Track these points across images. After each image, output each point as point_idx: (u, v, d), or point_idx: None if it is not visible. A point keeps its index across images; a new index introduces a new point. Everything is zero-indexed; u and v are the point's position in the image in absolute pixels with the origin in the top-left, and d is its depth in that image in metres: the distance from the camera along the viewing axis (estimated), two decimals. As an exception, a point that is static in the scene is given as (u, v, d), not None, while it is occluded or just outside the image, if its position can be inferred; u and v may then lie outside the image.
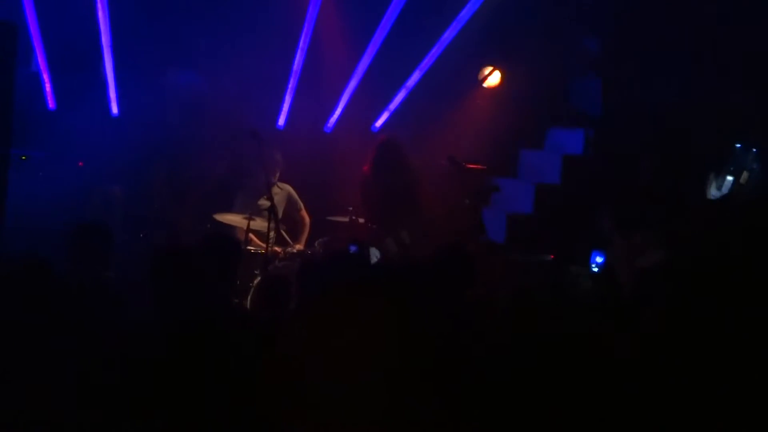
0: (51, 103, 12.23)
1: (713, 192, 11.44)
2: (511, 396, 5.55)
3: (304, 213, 11.53)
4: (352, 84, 12.93)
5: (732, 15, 12.34)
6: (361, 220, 11.02)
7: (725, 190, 11.06)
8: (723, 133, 12.01)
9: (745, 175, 11.12)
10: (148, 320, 6.04)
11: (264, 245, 10.52)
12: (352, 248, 8.89)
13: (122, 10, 12.15)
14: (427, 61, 12.92)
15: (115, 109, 12.47)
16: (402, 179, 10.73)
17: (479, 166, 12.37)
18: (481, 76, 13.10)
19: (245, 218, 10.45)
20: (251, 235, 10.60)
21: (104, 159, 11.69)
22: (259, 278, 10.09)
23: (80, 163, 11.83)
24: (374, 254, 10.35)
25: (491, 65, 13.08)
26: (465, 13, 12.83)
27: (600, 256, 7.37)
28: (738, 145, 11.50)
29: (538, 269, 11.07)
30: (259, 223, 10.49)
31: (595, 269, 7.26)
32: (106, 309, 6.15)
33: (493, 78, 13.11)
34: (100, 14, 12.09)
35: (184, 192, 11.68)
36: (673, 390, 3.68)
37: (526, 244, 12.32)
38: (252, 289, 10.02)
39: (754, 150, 11.30)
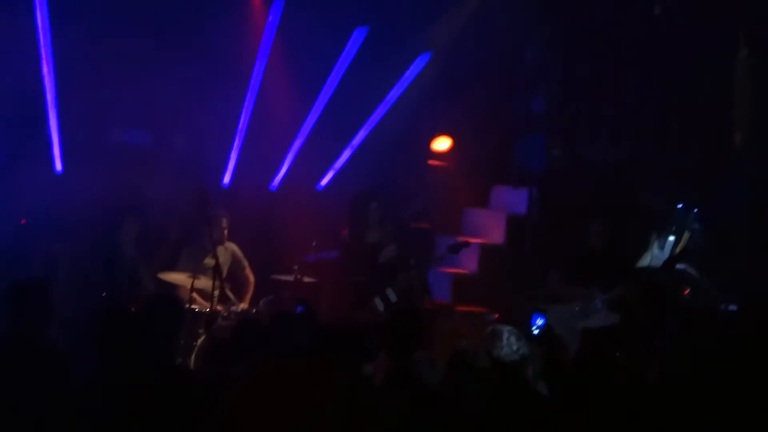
0: (-7, 160, 12.12)
1: (656, 252, 11.54)
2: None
3: (248, 272, 11.47)
4: (298, 142, 12.94)
5: (675, 76, 12.54)
6: (307, 279, 10.98)
7: (667, 250, 11.16)
8: (665, 193, 12.15)
9: (686, 235, 11.23)
10: (90, 381, 5.97)
11: (208, 304, 10.44)
12: (299, 309, 8.82)
13: (68, 67, 12.09)
14: (372, 120, 12.98)
15: (59, 166, 12.37)
16: (382, 234, 10.72)
17: (424, 225, 12.41)
18: (429, 140, 13.17)
19: (189, 277, 10.38)
20: (195, 294, 10.52)
21: (47, 216, 11.57)
22: (203, 337, 10.03)
23: (23, 221, 11.70)
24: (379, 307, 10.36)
25: (434, 125, 13.15)
26: (410, 73, 12.93)
27: (540, 318, 7.37)
28: (680, 206, 11.63)
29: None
30: (203, 282, 10.42)
31: (536, 331, 7.25)
32: (43, 369, 6.07)
33: (442, 144, 13.17)
34: (45, 70, 12.03)
35: (127, 250, 11.57)
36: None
37: (471, 303, 12.33)
38: (196, 349, 9.94)
39: (695, 210, 11.43)
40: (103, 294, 10.52)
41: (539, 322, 7.31)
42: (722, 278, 11.03)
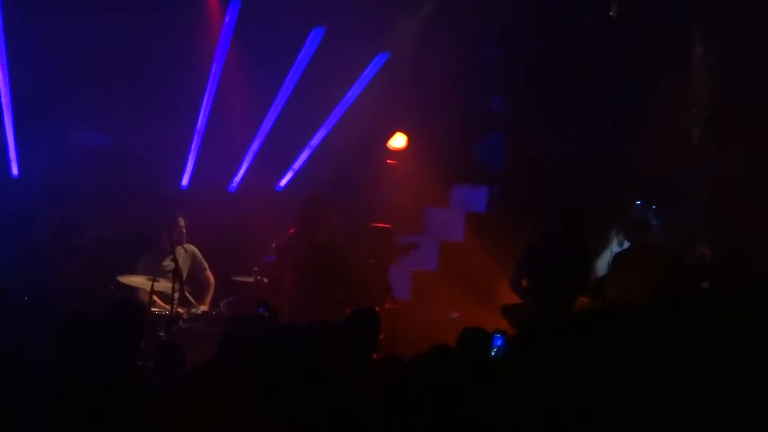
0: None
1: (615, 248, 11.61)
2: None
3: (208, 273, 11.42)
4: (256, 143, 12.92)
5: (634, 73, 12.61)
6: (267, 280, 10.95)
7: (626, 246, 11.22)
8: (624, 190, 12.23)
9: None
10: (48, 386, 5.93)
11: (168, 307, 10.39)
12: (261, 310, 8.79)
13: (23, 69, 12.00)
14: (330, 121, 12.98)
15: (15, 170, 12.28)
16: (333, 235, 10.65)
17: (385, 225, 12.42)
18: (387, 142, 13.18)
19: (149, 280, 10.33)
20: (155, 297, 10.46)
21: (4, 220, 11.48)
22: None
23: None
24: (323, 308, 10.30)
25: (393, 124, 13.17)
26: (368, 73, 12.93)
27: (500, 339, 7.33)
28: (639, 202, 11.71)
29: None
30: (163, 285, 10.36)
31: (494, 352, 7.21)
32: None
33: (398, 141, 13.20)
34: (0, 74, 11.93)
35: (86, 253, 11.49)
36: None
37: (431, 301, 12.36)
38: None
39: (654, 207, 11.51)
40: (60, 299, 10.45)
41: (498, 343, 7.27)
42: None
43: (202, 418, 5.25)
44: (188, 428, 5.23)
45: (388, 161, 13.42)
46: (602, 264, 11.33)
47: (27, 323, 8.06)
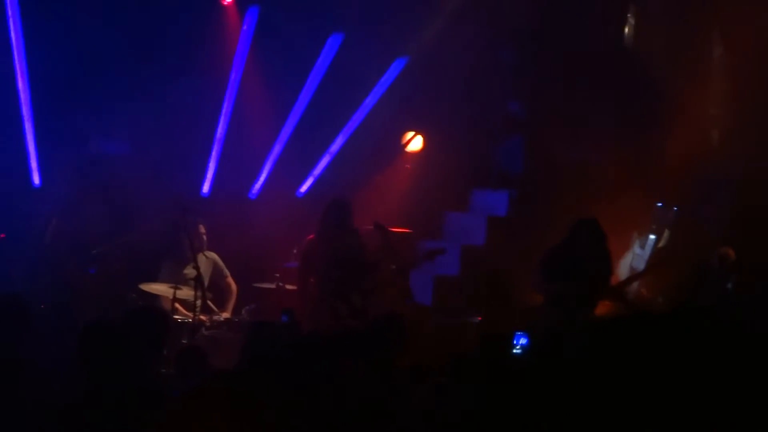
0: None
1: (637, 251, 11.57)
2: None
3: (230, 280, 11.43)
4: (276, 150, 12.93)
5: (653, 75, 12.58)
6: (289, 287, 10.96)
7: (648, 248, 11.19)
8: (645, 192, 12.19)
9: (667, 233, 11.27)
10: (71, 396, 5.94)
11: (190, 314, 10.41)
12: (284, 318, 8.79)
13: (44, 80, 12.05)
14: (350, 126, 12.98)
15: (36, 180, 12.33)
16: (352, 240, 10.65)
17: (405, 230, 12.40)
18: (403, 141, 13.18)
19: (171, 287, 10.34)
20: (177, 305, 10.48)
21: (26, 230, 11.53)
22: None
23: (1, 235, 11.64)
24: (341, 312, 10.29)
25: (413, 130, 13.17)
26: (387, 78, 12.93)
27: (524, 337, 7.30)
28: (659, 204, 11.67)
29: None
30: (185, 292, 10.38)
31: (518, 351, 7.19)
32: (21, 381, 6.04)
33: (415, 143, 13.20)
34: (20, 85, 11.99)
35: (108, 262, 11.52)
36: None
37: (453, 306, 12.34)
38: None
39: (675, 208, 11.47)
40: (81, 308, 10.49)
41: (522, 341, 7.24)
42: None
43: (214, 421, 5.27)
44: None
45: (407, 166, 13.41)
46: (624, 267, 11.29)
47: (47, 332, 8.07)
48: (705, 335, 3.46)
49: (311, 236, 10.74)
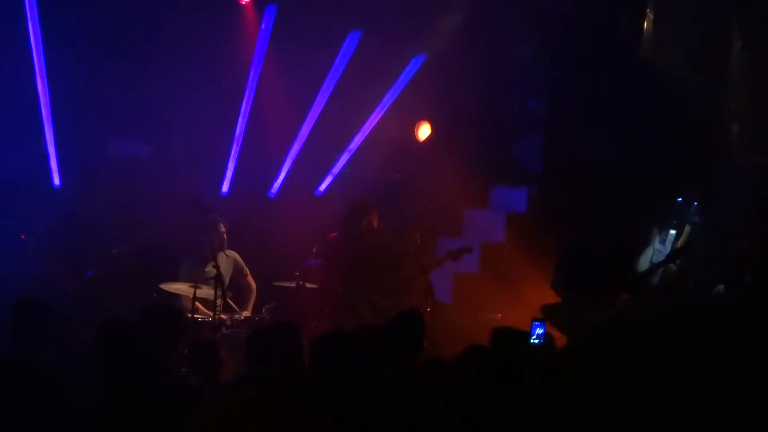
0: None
1: (657, 246, 11.53)
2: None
3: (250, 279, 11.46)
4: (295, 148, 12.94)
5: (671, 69, 12.53)
6: (309, 285, 10.96)
7: (668, 244, 11.15)
8: (665, 187, 12.14)
9: (687, 228, 11.22)
10: (91, 397, 5.96)
11: (211, 313, 10.42)
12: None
13: (62, 80, 12.09)
14: (368, 124, 12.98)
15: (57, 181, 12.37)
16: (375, 240, 10.64)
17: (426, 228, 12.38)
18: (415, 134, 13.17)
19: (191, 287, 10.37)
20: (198, 304, 10.51)
21: (47, 231, 11.57)
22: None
23: (22, 236, 11.68)
24: (363, 311, 10.30)
25: (422, 120, 13.14)
26: (406, 75, 12.92)
27: (541, 327, 7.30)
28: (679, 199, 11.63)
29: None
30: (206, 291, 10.39)
31: (536, 341, 7.20)
32: (45, 385, 6.06)
33: (423, 131, 13.16)
34: (39, 86, 12.04)
35: (128, 261, 11.55)
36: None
37: (473, 303, 12.33)
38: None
39: (695, 203, 11.43)
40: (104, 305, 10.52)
41: (539, 331, 7.23)
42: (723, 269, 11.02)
43: (245, 424, 5.27)
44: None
45: (426, 163, 13.39)
46: (644, 262, 11.25)
47: (66, 332, 8.10)
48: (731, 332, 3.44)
49: (334, 234, 10.74)
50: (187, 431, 5.41)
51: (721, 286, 10.46)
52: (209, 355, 7.28)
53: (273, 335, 6.71)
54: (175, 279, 10.83)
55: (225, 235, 11.19)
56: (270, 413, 5.28)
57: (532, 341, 7.26)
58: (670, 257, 10.91)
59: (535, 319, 7.48)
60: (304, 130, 12.89)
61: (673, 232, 11.37)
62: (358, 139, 13.05)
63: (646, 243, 11.68)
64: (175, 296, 10.68)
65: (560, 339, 8.97)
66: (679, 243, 11.23)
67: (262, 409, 5.29)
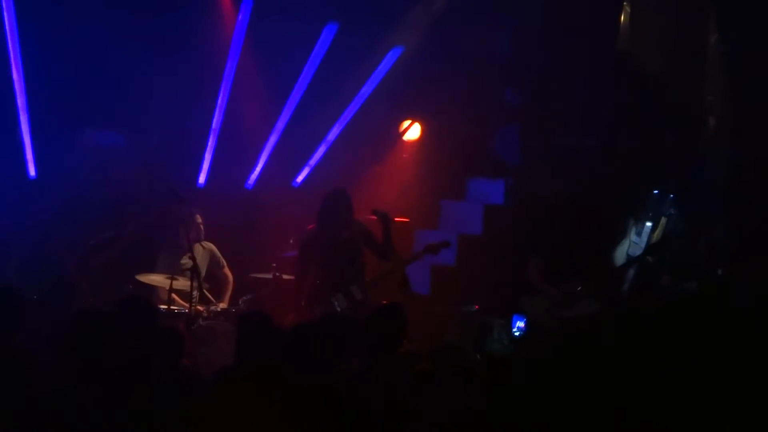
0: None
1: (633, 238, 11.56)
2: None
3: (227, 271, 11.44)
4: (272, 140, 12.92)
5: (648, 61, 12.56)
6: (286, 277, 10.95)
7: (644, 236, 11.18)
8: (641, 179, 12.18)
9: (663, 221, 11.25)
10: (62, 385, 5.96)
11: (187, 305, 10.41)
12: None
13: (38, 70, 12.03)
14: (346, 116, 12.97)
15: (32, 171, 12.31)
16: (351, 231, 10.63)
17: (402, 219, 12.39)
18: (400, 130, 13.18)
19: (168, 278, 10.34)
20: (174, 295, 10.49)
21: (22, 221, 11.52)
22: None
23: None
24: (339, 304, 10.26)
25: (411, 118, 13.16)
26: (383, 67, 12.91)
27: (521, 320, 7.32)
28: (655, 192, 11.66)
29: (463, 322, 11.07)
30: (182, 283, 10.38)
31: (517, 333, 7.22)
32: (13, 373, 6.04)
33: (412, 132, 13.19)
34: (15, 75, 11.97)
35: (104, 252, 11.52)
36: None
37: (450, 295, 12.33)
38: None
39: (671, 196, 11.46)
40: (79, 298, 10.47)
41: (520, 324, 7.25)
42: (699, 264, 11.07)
43: (236, 415, 5.28)
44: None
45: (403, 155, 13.39)
46: (621, 254, 11.28)
47: (39, 323, 8.07)
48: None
49: (311, 226, 10.74)
50: (182, 417, 5.43)
51: (693, 283, 10.52)
52: (173, 343, 7.24)
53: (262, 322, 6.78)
54: (151, 270, 10.81)
55: (201, 227, 11.18)
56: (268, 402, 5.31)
57: (513, 334, 7.29)
58: (647, 251, 10.93)
59: (515, 312, 7.51)
60: (281, 122, 12.87)
61: (649, 224, 11.39)
62: (335, 131, 13.03)
63: (622, 235, 11.71)
64: (152, 288, 10.65)
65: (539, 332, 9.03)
66: (655, 235, 11.25)
67: (251, 401, 5.32)
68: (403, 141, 13.28)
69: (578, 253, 10.34)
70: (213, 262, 11.34)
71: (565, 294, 10.15)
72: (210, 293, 10.97)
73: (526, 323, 7.33)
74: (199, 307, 10.58)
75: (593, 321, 9.76)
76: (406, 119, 13.22)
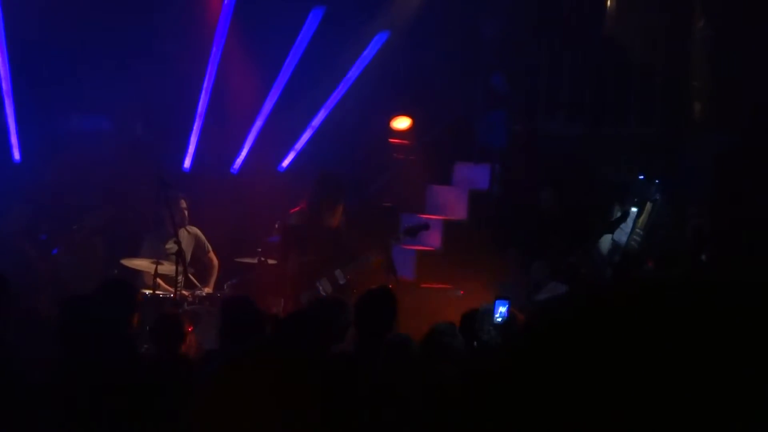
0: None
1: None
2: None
3: (212, 255, 11.43)
4: (258, 124, 12.90)
5: (634, 48, 12.56)
6: (271, 261, 10.94)
7: (630, 221, 11.20)
8: (626, 165, 12.20)
9: (648, 206, 11.27)
10: (51, 374, 5.94)
11: (172, 289, 10.39)
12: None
13: (23, 54, 11.99)
14: (332, 101, 12.95)
15: (17, 155, 12.27)
16: (339, 217, 10.61)
17: (388, 204, 12.39)
18: (389, 119, 13.16)
19: (152, 263, 10.33)
20: (159, 280, 10.47)
21: (7, 205, 11.49)
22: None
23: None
24: (324, 288, 10.27)
25: (398, 106, 13.14)
26: (369, 52, 12.90)
27: (503, 305, 7.32)
28: (641, 177, 11.68)
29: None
30: (167, 267, 10.36)
31: (499, 319, 7.23)
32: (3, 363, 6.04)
33: (401, 122, 13.17)
34: (-1, 59, 11.94)
35: (89, 237, 11.50)
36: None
37: (435, 279, 12.34)
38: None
39: (657, 181, 11.48)
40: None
41: (502, 309, 7.25)
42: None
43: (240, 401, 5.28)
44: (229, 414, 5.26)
45: (389, 140, 13.38)
46: (605, 240, 11.30)
47: (29, 309, 8.06)
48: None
49: (295, 209, 10.73)
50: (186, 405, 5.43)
51: (677, 269, 10.53)
52: (172, 328, 7.25)
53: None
54: (136, 255, 10.80)
55: (186, 211, 11.16)
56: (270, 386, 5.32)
57: (495, 320, 7.30)
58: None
59: (498, 297, 7.52)
60: (267, 106, 12.85)
61: (634, 209, 11.41)
62: (320, 116, 13.02)
63: (608, 220, 11.73)
64: (137, 272, 10.64)
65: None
66: (641, 221, 11.27)
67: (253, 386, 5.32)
68: (389, 127, 13.26)
69: (554, 240, 10.37)
70: (198, 246, 11.32)
71: (536, 280, 10.18)
72: (195, 278, 10.96)
73: (508, 309, 7.33)
74: (184, 292, 10.57)
75: (558, 300, 9.72)
76: (391, 103, 13.20)
